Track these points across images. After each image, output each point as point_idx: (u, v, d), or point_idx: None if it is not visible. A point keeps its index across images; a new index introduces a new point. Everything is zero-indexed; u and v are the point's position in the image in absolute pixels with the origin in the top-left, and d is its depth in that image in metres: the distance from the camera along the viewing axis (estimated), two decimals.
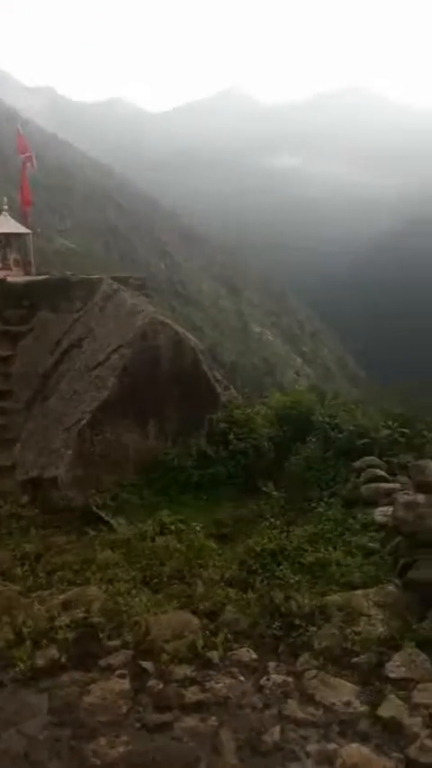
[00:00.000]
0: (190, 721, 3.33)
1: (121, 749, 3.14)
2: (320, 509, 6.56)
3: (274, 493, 7.40)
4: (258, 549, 5.30)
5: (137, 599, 4.53)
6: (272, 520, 6.24)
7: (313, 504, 6.80)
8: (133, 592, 4.69)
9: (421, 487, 6.63)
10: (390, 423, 7.97)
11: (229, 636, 4.10)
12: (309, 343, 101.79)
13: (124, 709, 3.45)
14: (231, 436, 8.34)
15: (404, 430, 7.80)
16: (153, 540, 5.87)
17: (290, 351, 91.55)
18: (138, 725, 3.34)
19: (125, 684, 3.66)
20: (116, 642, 4.06)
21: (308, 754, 3.08)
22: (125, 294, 9.01)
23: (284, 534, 5.67)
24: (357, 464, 7.18)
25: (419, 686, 3.52)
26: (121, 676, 3.73)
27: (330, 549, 5.30)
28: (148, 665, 3.82)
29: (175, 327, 8.68)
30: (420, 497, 5.70)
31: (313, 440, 8.17)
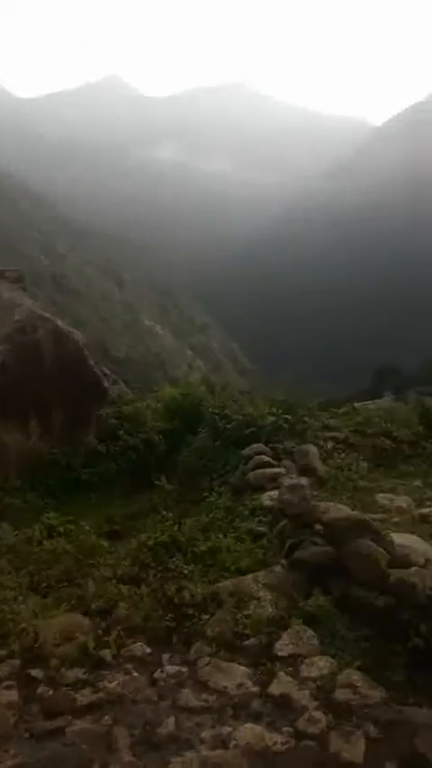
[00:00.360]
0: (82, 724, 3.25)
1: (10, 763, 3.00)
2: (212, 498, 6.65)
3: (167, 486, 7.41)
4: (151, 542, 5.27)
5: (23, 605, 4.34)
6: (164, 513, 6.22)
7: (205, 494, 6.87)
8: (20, 598, 4.48)
9: (304, 471, 6.96)
10: (274, 410, 8.25)
11: (121, 633, 4.04)
12: (199, 337, 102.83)
13: (12, 721, 3.30)
14: (121, 431, 8.25)
15: (287, 417, 8.10)
16: (40, 543, 5.65)
17: (180, 344, 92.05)
18: (27, 735, 3.20)
19: (13, 695, 3.49)
20: (2, 652, 3.87)
21: (202, 741, 3.10)
22: (0, 288, 8.59)
23: (177, 526, 5.67)
24: (245, 452, 7.36)
25: (306, 661, 3.66)
26: (8, 687, 3.56)
27: (221, 536, 5.39)
28: (36, 672, 3.68)
29: (56, 321, 8.41)
30: (304, 480, 5.97)
31: (203, 431, 8.28)
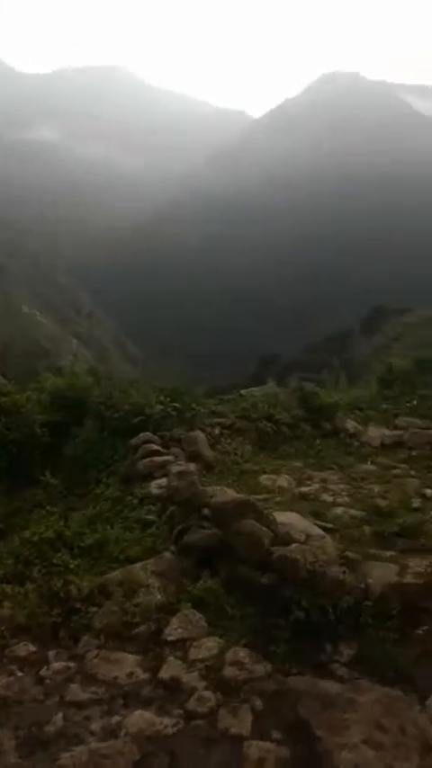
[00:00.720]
0: None
1: None
2: (99, 490, 6.54)
3: (52, 480, 7.18)
4: (35, 539, 5.09)
5: None
6: (49, 508, 6.05)
7: (92, 487, 6.75)
8: None
9: (193, 457, 7.06)
10: (162, 399, 8.26)
11: (5, 633, 3.89)
12: (84, 325, 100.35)
13: None
14: None
15: (175, 404, 8.15)
16: None
17: (64, 333, 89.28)
18: None
19: None
20: None
21: (92, 733, 3.08)
22: None
23: (63, 520, 5.54)
24: (133, 441, 7.31)
25: (195, 643, 3.74)
26: None
27: (109, 527, 5.32)
28: None
29: None
30: (192, 466, 6.06)
31: (90, 422, 8.11)
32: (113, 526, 5.37)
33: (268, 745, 2.97)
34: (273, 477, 6.77)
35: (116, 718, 3.17)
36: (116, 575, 4.45)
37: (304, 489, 6.31)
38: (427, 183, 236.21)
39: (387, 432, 8.74)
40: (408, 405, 10.43)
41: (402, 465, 7.36)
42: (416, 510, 5.53)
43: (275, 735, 3.05)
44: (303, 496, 6.06)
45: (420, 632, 3.83)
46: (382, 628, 3.82)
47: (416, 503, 5.72)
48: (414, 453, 7.82)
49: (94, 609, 4.09)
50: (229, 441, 8.25)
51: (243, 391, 11.76)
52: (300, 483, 6.60)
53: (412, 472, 7.00)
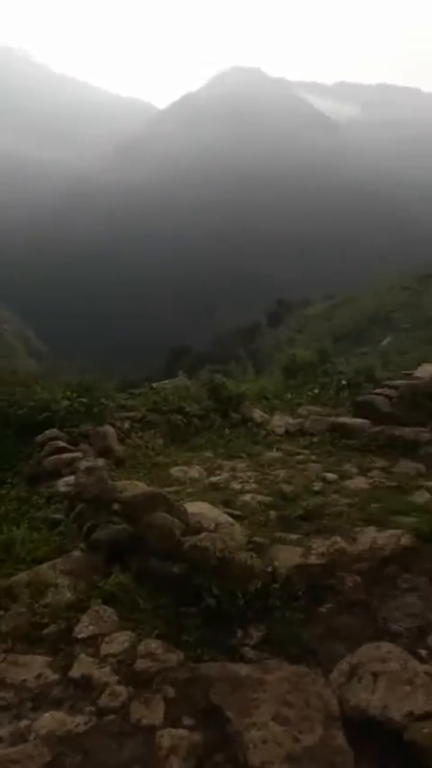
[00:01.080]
0: None
1: None
2: (3, 490, 6.35)
3: None
4: None
5: None
6: None
7: None
8: None
9: (102, 453, 6.99)
10: (69, 394, 8.10)
11: None
12: None
13: None
14: None
15: (83, 399, 8.02)
16: None
17: None
18: None
19: None
20: None
21: (0, 740, 2.99)
22: None
23: None
24: (39, 438, 7.13)
25: (107, 639, 3.71)
26: None
27: (15, 528, 5.17)
28: None
29: None
30: (101, 461, 5.98)
31: None
32: (20, 527, 5.22)
33: (180, 732, 3.01)
34: (184, 468, 6.83)
35: (25, 722, 3.09)
36: (23, 576, 4.33)
37: (214, 479, 6.42)
38: (324, 181, 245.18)
39: (291, 420, 9.04)
40: (309, 393, 10.86)
41: (305, 451, 7.65)
42: (317, 493, 5.77)
43: (187, 722, 3.09)
44: (214, 486, 6.16)
45: (324, 610, 4.01)
46: (289, 608, 3.97)
47: (317, 486, 5.98)
48: (315, 440, 8.14)
49: (1, 612, 3.97)
50: (140, 434, 8.24)
51: (155, 384, 11.77)
52: (210, 473, 6.71)
53: (313, 457, 7.29)
